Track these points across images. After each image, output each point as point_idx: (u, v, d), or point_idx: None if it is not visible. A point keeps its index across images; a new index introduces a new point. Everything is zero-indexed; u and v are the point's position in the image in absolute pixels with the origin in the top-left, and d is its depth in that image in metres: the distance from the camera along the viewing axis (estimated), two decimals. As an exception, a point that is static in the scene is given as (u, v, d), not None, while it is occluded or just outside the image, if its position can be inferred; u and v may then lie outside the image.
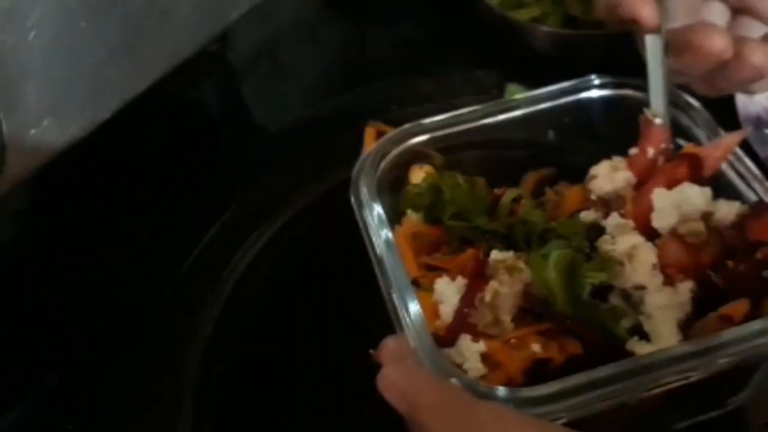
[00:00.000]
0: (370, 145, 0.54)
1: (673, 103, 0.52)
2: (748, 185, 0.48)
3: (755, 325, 0.41)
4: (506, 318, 0.44)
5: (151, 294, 0.60)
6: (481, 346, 0.43)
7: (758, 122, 0.62)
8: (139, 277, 0.61)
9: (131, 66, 0.60)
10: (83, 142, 0.59)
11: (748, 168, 0.49)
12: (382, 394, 0.40)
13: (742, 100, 0.64)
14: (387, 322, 0.44)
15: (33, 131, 0.56)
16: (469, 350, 0.43)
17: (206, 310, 0.58)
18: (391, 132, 0.52)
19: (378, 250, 0.46)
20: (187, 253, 0.61)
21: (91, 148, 0.60)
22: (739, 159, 0.49)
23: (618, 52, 0.67)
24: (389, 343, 0.42)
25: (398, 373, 0.40)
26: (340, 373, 0.53)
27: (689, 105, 0.52)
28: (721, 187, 0.49)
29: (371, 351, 0.42)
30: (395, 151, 0.52)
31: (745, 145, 0.61)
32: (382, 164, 0.51)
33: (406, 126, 0.52)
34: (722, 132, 0.50)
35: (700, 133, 0.51)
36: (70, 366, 0.58)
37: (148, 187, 0.65)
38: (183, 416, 0.53)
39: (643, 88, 0.53)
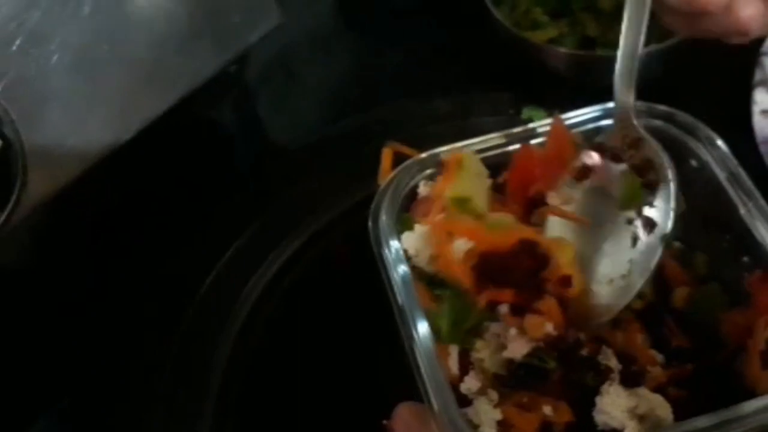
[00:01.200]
0: (387, 165, 0.54)
1: (691, 132, 0.52)
2: (744, 204, 0.48)
3: None
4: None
5: (170, 314, 0.60)
6: (497, 413, 0.43)
7: (776, 144, 0.62)
8: (157, 297, 0.61)
9: (152, 88, 0.61)
10: (105, 161, 0.59)
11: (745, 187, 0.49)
12: None
13: (759, 123, 0.63)
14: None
15: (56, 151, 0.57)
16: (487, 415, 0.43)
17: (225, 330, 0.58)
18: (408, 162, 0.52)
19: (397, 294, 0.46)
20: (207, 272, 0.62)
21: (112, 167, 0.61)
22: (736, 176, 0.49)
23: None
24: (403, 412, 0.42)
25: None
26: (358, 396, 0.53)
27: (709, 139, 0.51)
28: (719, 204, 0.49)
29: (384, 422, 0.43)
30: (412, 183, 0.52)
31: (760, 165, 0.62)
32: (400, 197, 0.51)
33: (423, 156, 0.52)
34: (731, 155, 0.50)
35: (717, 170, 0.50)
36: (87, 387, 0.59)
37: (168, 206, 0.65)
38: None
39: (668, 117, 0.53)
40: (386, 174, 0.53)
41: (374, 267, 0.49)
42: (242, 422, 0.54)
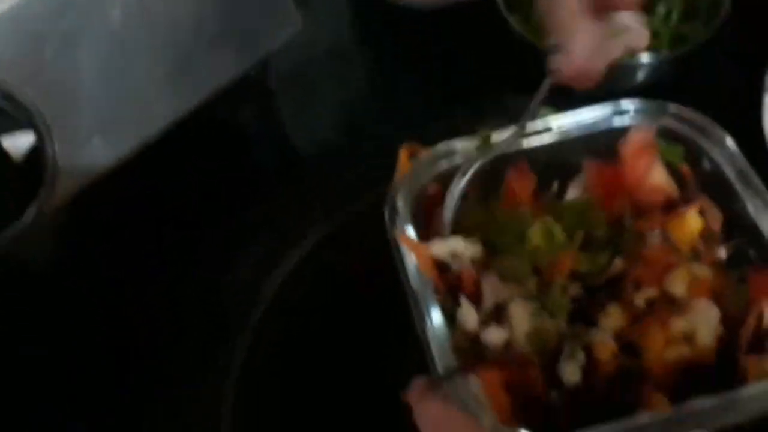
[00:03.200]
0: (404, 165, 0.56)
1: (702, 132, 0.53)
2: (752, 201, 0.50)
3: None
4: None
5: (187, 312, 0.62)
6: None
7: (786, 147, 0.63)
8: (175, 296, 0.63)
9: (177, 90, 0.63)
10: (130, 161, 0.61)
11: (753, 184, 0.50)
12: (419, 426, 0.42)
13: (770, 126, 0.64)
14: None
15: (83, 150, 0.59)
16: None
17: (243, 325, 0.60)
18: (426, 152, 0.54)
19: (411, 279, 0.48)
20: (224, 271, 0.63)
21: (137, 167, 0.63)
22: (745, 174, 0.51)
23: (647, 77, 0.69)
24: (418, 384, 0.44)
25: (432, 407, 0.42)
26: (373, 395, 0.54)
27: (719, 138, 0.53)
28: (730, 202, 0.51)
29: (402, 391, 0.44)
30: (430, 172, 0.53)
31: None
32: (417, 185, 0.53)
33: (440, 146, 0.54)
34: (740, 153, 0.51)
35: (728, 169, 0.52)
36: (107, 385, 0.60)
37: (189, 205, 0.67)
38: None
39: (680, 117, 0.54)
40: (404, 171, 0.55)
41: (390, 267, 0.50)
42: (262, 409, 0.55)
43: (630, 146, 0.54)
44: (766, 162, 0.63)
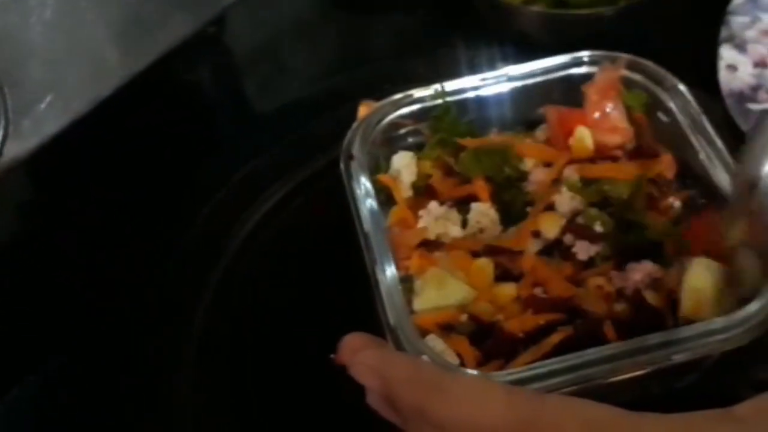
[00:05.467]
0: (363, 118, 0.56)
1: (656, 81, 0.54)
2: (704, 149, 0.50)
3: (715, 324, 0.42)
4: None
5: (149, 272, 0.61)
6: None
7: (741, 98, 0.64)
8: (136, 254, 0.62)
9: (131, 45, 0.62)
10: (85, 118, 0.60)
11: (705, 132, 0.51)
12: (356, 377, 0.40)
13: (725, 76, 0.65)
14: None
15: (36, 108, 0.58)
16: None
17: (205, 283, 0.59)
18: (381, 103, 0.54)
19: (364, 223, 0.48)
20: (183, 230, 0.62)
21: (92, 125, 0.62)
22: (697, 123, 0.51)
23: (609, 31, 0.69)
24: (351, 339, 0.42)
25: (369, 354, 0.40)
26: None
27: (673, 87, 0.53)
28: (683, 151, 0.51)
29: (331, 356, 0.42)
30: (385, 121, 0.53)
31: (727, 120, 0.64)
32: (372, 135, 0.53)
33: (397, 96, 0.54)
34: (694, 102, 0.52)
35: (681, 117, 0.52)
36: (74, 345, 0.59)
37: (147, 164, 0.66)
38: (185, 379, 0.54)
39: (635, 66, 0.54)
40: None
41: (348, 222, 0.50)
42: (223, 363, 0.56)
43: (596, 86, 0.54)
44: (720, 113, 0.64)
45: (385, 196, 0.53)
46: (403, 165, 0.55)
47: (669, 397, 0.48)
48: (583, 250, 0.49)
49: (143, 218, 0.64)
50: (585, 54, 0.56)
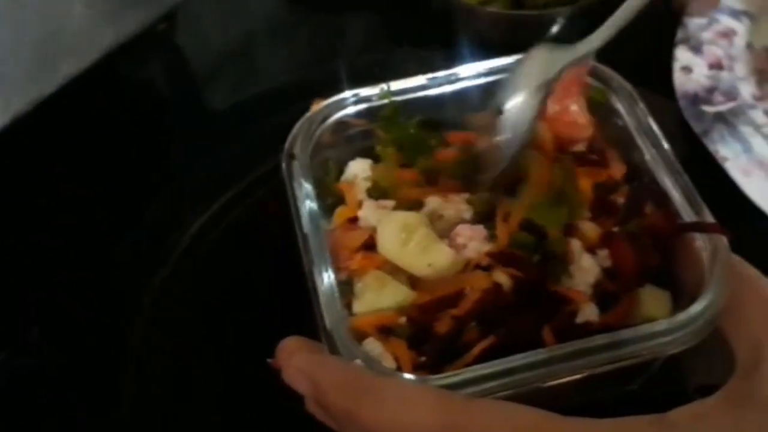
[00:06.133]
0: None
1: (605, 83, 0.53)
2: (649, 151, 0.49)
3: (660, 325, 0.42)
4: None
5: (84, 275, 0.60)
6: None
7: (695, 100, 0.64)
8: (80, 253, 0.61)
9: (75, 41, 0.60)
10: (27, 116, 0.59)
11: (651, 134, 0.50)
12: (288, 382, 0.40)
13: (679, 78, 0.65)
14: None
15: (-25, 105, 0.57)
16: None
17: (142, 293, 0.58)
18: (325, 102, 0.53)
19: (304, 224, 0.46)
20: (126, 231, 0.62)
21: (37, 123, 0.61)
22: (643, 124, 0.50)
23: (567, 32, 0.69)
24: (288, 343, 0.42)
25: (302, 359, 0.40)
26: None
27: (622, 88, 0.52)
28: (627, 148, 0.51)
29: (269, 360, 0.42)
30: (331, 121, 0.52)
31: (681, 121, 0.63)
32: (317, 135, 0.51)
33: (342, 95, 0.53)
34: (642, 105, 0.51)
35: (628, 118, 0.51)
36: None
37: (94, 162, 0.65)
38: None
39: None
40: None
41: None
42: (165, 363, 0.55)
43: (560, 82, 0.53)
44: (673, 115, 0.64)
45: (333, 199, 0.53)
46: (359, 171, 0.54)
47: (617, 401, 0.48)
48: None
49: (85, 220, 0.62)
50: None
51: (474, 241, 0.46)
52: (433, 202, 0.49)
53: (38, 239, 0.61)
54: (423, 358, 0.43)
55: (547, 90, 0.47)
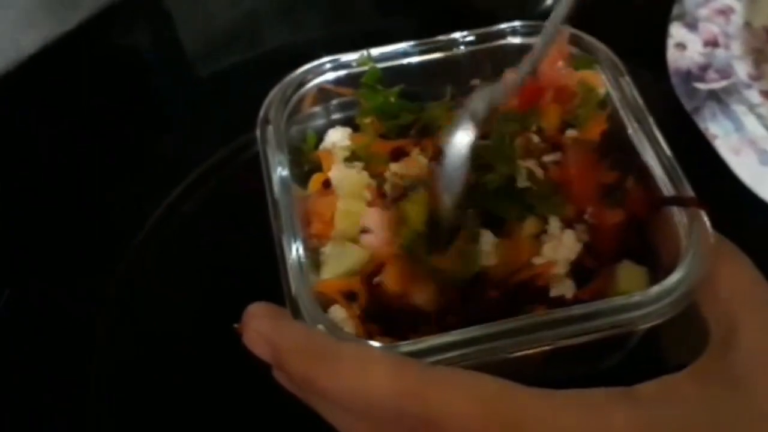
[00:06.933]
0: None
1: (588, 51, 0.52)
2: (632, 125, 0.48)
3: (635, 298, 0.41)
4: None
5: (66, 238, 0.59)
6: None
7: (688, 76, 0.62)
8: (53, 220, 0.60)
9: (56, 6, 0.59)
10: (7, 75, 0.58)
11: (636, 108, 0.48)
12: (249, 348, 0.40)
13: (672, 55, 0.63)
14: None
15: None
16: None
17: (119, 260, 0.58)
18: (303, 67, 0.52)
19: (275, 190, 0.46)
20: (111, 196, 0.61)
21: (17, 86, 0.60)
22: (628, 98, 0.49)
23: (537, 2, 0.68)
24: (254, 308, 0.41)
25: (262, 324, 0.40)
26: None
27: (609, 61, 0.51)
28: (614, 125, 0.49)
29: (234, 325, 0.41)
30: (308, 86, 0.51)
31: (672, 98, 0.62)
32: (294, 99, 0.51)
33: (321, 61, 0.52)
34: (627, 77, 0.50)
35: (613, 92, 0.50)
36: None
37: (77, 130, 0.64)
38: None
39: (572, 40, 0.52)
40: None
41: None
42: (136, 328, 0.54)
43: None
44: (666, 90, 0.62)
45: (311, 167, 0.52)
46: (338, 139, 0.53)
47: (591, 379, 0.47)
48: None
49: (68, 182, 0.62)
50: (518, 24, 0.53)
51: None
52: (394, 166, 0.48)
53: (12, 208, 0.61)
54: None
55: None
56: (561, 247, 0.46)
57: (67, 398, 0.52)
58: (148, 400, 0.52)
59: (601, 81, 0.51)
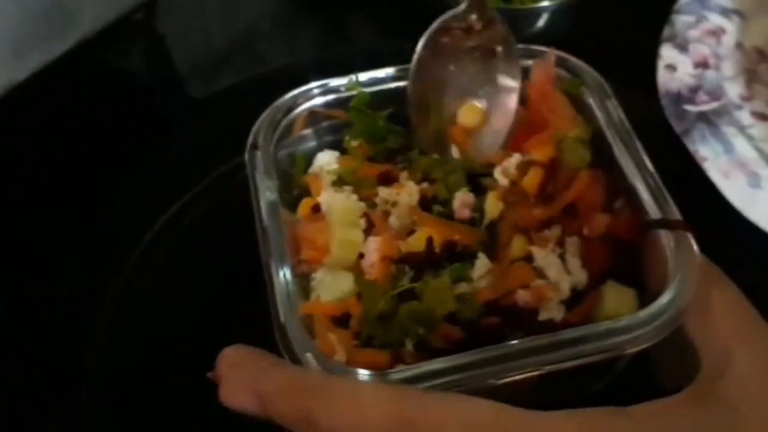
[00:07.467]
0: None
1: (575, 74, 0.52)
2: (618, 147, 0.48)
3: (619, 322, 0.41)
4: None
5: (61, 255, 0.59)
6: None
7: (678, 98, 0.62)
8: (50, 237, 0.60)
9: (49, 28, 0.60)
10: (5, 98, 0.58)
11: (621, 130, 0.48)
12: (227, 403, 0.38)
13: (663, 76, 0.64)
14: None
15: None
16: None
17: (114, 275, 0.58)
18: (292, 92, 0.52)
19: (263, 216, 0.46)
20: (101, 215, 0.61)
21: (11, 110, 0.60)
22: (614, 120, 0.49)
23: (546, 24, 0.68)
24: (230, 355, 0.39)
25: (243, 374, 0.38)
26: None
27: (596, 82, 0.51)
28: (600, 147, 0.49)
29: (208, 374, 0.39)
30: (298, 111, 0.51)
31: (662, 120, 0.62)
32: (283, 125, 0.51)
33: (310, 85, 0.52)
34: (614, 99, 0.50)
35: (599, 113, 0.50)
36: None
37: (64, 150, 0.64)
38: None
39: (559, 62, 0.52)
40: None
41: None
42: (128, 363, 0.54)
43: (533, 86, 0.52)
44: (656, 112, 0.63)
45: (300, 191, 0.52)
46: (325, 162, 0.53)
47: (581, 403, 0.47)
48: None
49: (60, 205, 0.62)
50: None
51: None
52: (383, 191, 0.48)
53: (9, 225, 0.61)
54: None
55: None
56: (563, 273, 0.46)
57: (68, 399, 0.52)
58: (148, 401, 0.52)
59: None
